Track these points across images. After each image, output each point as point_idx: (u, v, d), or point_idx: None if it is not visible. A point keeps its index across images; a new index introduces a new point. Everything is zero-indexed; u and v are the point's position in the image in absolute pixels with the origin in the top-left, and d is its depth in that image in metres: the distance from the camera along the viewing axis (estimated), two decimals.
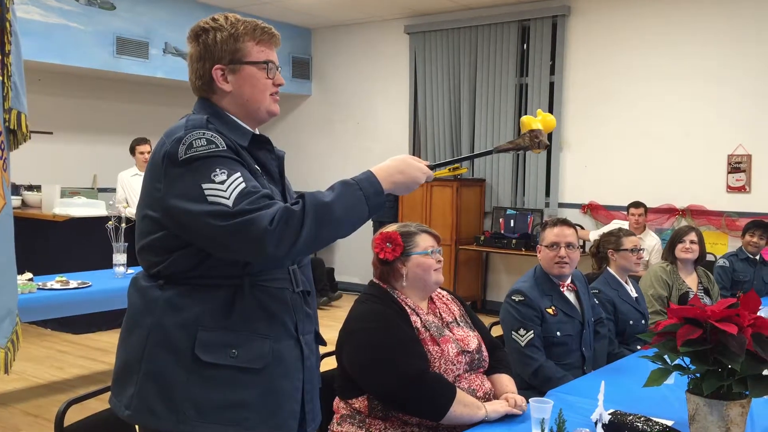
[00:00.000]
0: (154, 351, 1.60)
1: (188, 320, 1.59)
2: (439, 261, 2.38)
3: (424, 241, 2.37)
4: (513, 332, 2.90)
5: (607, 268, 3.69)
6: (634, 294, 3.64)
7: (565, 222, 3.13)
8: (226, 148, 1.58)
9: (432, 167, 1.72)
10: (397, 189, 1.68)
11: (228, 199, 1.50)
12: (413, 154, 9.00)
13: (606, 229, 6.62)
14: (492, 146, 7.47)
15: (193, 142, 1.56)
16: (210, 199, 1.51)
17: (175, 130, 1.63)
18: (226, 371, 1.59)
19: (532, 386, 2.80)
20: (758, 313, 1.88)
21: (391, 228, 2.40)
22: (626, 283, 3.66)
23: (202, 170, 1.54)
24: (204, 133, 1.58)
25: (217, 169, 1.53)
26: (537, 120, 1.88)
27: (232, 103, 1.71)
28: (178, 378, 1.58)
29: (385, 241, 2.35)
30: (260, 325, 1.64)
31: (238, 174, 1.54)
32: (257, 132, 1.76)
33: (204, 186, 1.52)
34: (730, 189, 6.39)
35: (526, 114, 7.80)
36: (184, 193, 1.55)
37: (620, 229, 3.82)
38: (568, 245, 3.02)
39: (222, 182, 1.52)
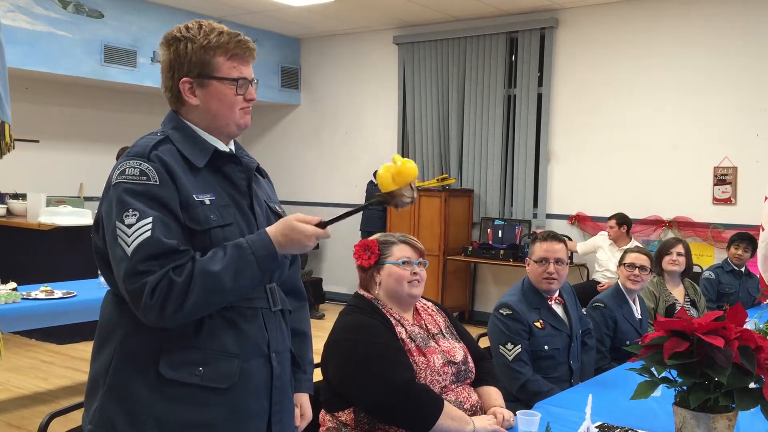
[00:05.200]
0: (118, 366, 1.56)
1: (155, 336, 1.54)
2: (415, 273, 2.33)
3: (400, 251, 2.35)
4: (500, 346, 2.89)
5: (618, 281, 3.71)
6: (638, 315, 3.62)
7: (554, 237, 3.11)
8: (158, 183, 1.53)
9: (323, 224, 1.59)
10: (288, 250, 1.58)
11: (129, 246, 1.47)
12: None
13: (592, 240, 6.67)
14: (479, 156, 7.51)
15: (127, 169, 1.54)
16: (117, 240, 1.49)
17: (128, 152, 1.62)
18: (191, 390, 1.54)
19: (519, 399, 2.79)
20: (744, 326, 1.89)
21: (375, 236, 2.43)
22: (633, 302, 3.64)
23: (119, 206, 1.51)
24: (140, 163, 1.55)
25: (130, 210, 1.50)
26: (390, 175, 1.62)
27: (200, 116, 1.66)
28: (140, 394, 1.53)
29: (364, 248, 2.37)
30: (229, 344, 1.59)
31: (149, 219, 1.49)
32: (228, 147, 1.71)
33: (116, 224, 1.50)
34: (716, 201, 6.43)
35: (513, 125, 7.80)
36: (107, 221, 1.54)
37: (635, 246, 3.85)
38: (558, 261, 3.02)
39: (129, 225, 1.48)
